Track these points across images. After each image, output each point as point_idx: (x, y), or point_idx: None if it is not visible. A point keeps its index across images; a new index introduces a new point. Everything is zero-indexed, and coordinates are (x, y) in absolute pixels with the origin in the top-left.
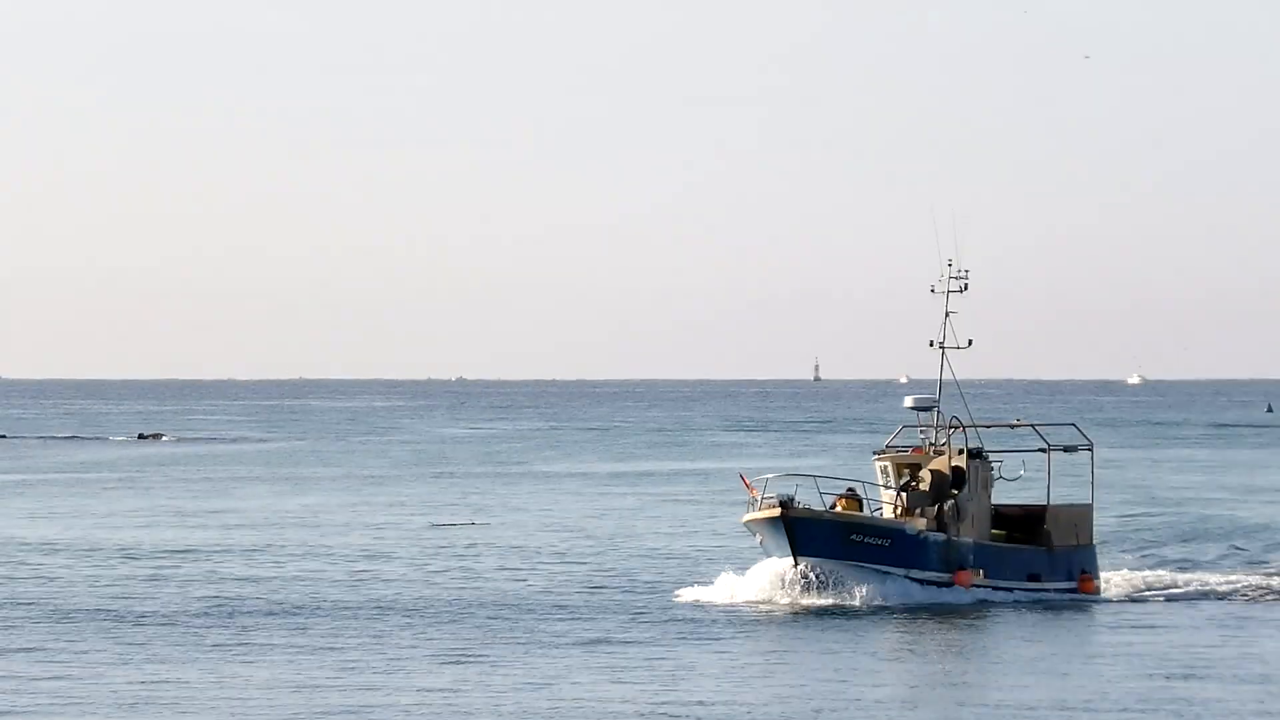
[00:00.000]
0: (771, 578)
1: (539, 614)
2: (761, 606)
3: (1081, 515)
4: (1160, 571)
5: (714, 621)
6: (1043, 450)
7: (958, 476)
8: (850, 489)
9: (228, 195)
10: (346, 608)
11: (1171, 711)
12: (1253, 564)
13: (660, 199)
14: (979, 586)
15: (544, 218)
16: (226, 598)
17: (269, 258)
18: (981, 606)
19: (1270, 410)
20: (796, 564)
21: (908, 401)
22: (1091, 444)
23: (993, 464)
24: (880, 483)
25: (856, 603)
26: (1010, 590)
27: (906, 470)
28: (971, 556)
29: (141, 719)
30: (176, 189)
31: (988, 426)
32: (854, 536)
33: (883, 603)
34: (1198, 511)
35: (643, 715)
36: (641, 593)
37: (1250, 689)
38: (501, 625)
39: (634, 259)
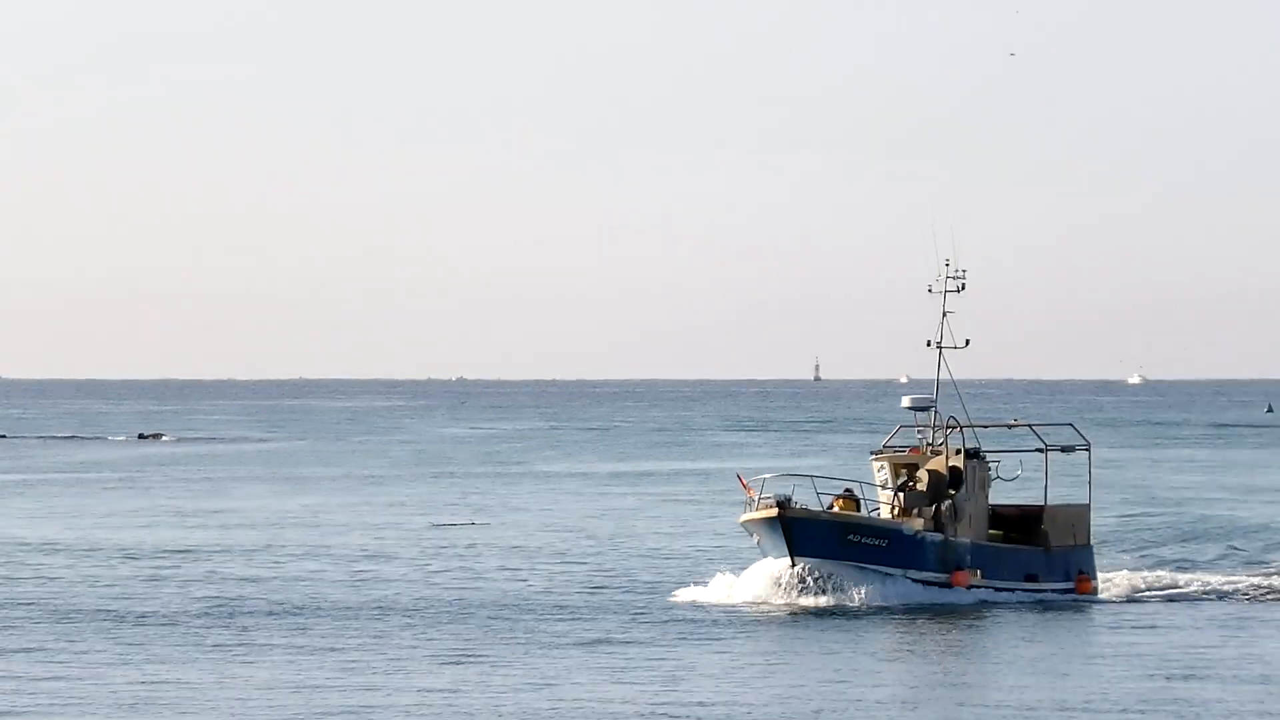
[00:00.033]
0: (769, 578)
1: (539, 614)
2: (760, 607)
3: (1079, 515)
4: (1159, 572)
5: (714, 622)
6: (1040, 450)
7: (955, 477)
8: (848, 489)
9: (228, 196)
10: (347, 608)
11: (1171, 712)
12: (1252, 564)
13: (661, 200)
14: (976, 587)
15: (544, 218)
16: (227, 598)
17: (269, 258)
18: (980, 607)
19: (1270, 410)
20: (794, 564)
21: (905, 402)
22: (1089, 444)
23: (990, 464)
24: (878, 483)
25: (854, 603)
26: (1007, 590)
27: (904, 470)
28: (969, 557)
29: (142, 719)
30: (176, 190)
31: (985, 426)
32: (851, 537)
33: (880, 603)
34: (1197, 511)
35: (643, 716)
36: (642, 593)
37: (1250, 689)
38: (502, 625)
39: (635, 260)
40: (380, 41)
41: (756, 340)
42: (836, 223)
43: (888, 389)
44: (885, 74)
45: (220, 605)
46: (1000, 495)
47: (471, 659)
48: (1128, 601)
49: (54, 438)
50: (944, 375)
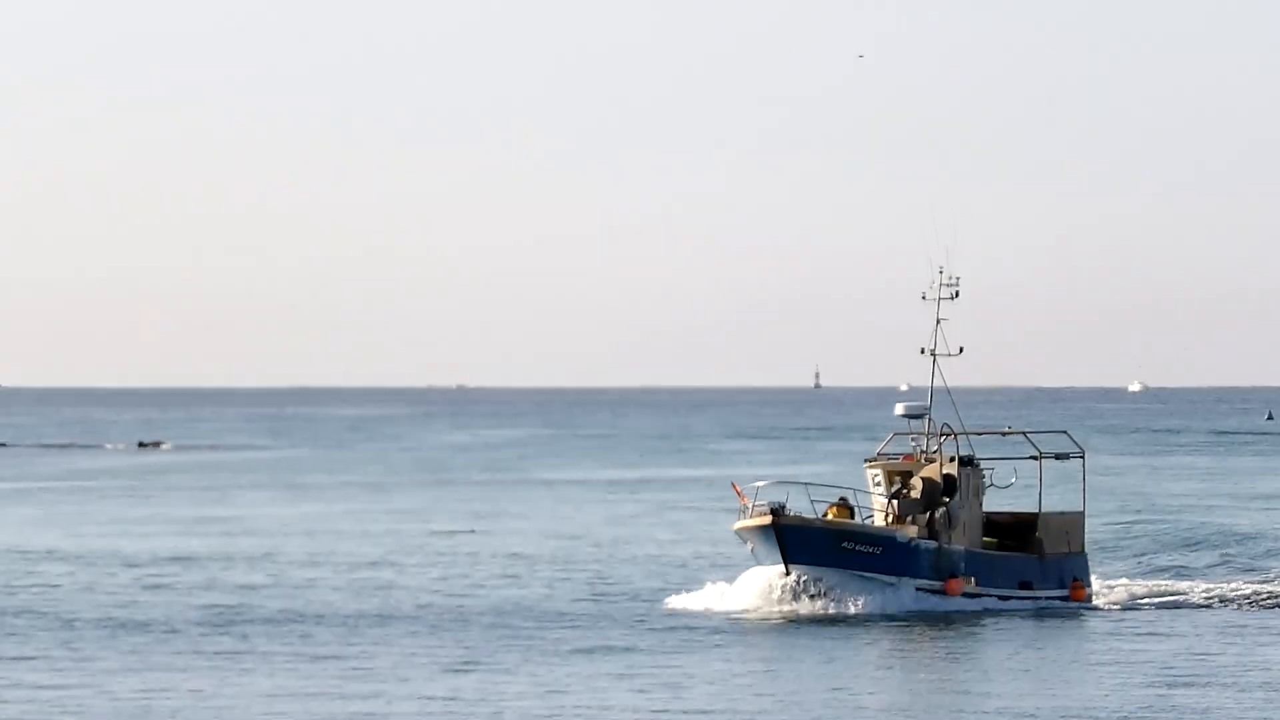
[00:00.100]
0: (763, 586)
1: (540, 621)
2: (756, 614)
3: (1073, 523)
4: (1157, 579)
5: (713, 629)
6: (1034, 458)
7: (949, 484)
8: (842, 497)
9: (228, 196)
10: (348, 615)
11: (1172, 719)
12: (1250, 571)
13: (661, 200)
14: (970, 594)
15: (544, 218)
16: (228, 606)
17: (269, 259)
18: (976, 614)
19: (1271, 418)
20: (788, 572)
21: (899, 409)
22: (1083, 451)
23: (984, 471)
24: (872, 490)
25: (848, 610)
26: (1002, 598)
27: (898, 478)
28: (963, 564)
29: None
30: (176, 190)
31: (979, 434)
32: (845, 544)
33: (874, 610)
34: (1196, 519)
35: None
36: (642, 600)
37: (1251, 696)
38: (502, 632)
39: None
40: (380, 41)
41: (757, 347)
42: (837, 223)
43: (888, 396)
44: (885, 74)
45: (221, 613)
46: (994, 503)
47: (472, 666)
48: (1120, 609)
49: (54, 446)
50: (938, 383)
